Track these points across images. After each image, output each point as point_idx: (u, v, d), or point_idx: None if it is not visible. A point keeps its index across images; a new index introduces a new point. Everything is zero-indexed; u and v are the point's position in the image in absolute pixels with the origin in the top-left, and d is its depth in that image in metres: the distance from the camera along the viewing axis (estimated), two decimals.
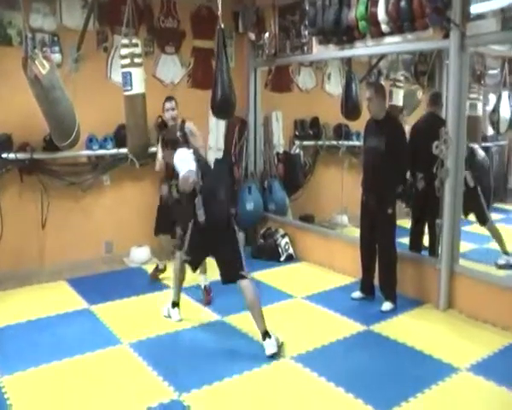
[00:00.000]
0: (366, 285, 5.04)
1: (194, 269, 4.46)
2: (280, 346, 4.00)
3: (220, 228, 4.11)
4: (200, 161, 4.27)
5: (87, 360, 3.93)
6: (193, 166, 4.05)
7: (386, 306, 4.78)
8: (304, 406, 3.33)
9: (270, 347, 3.90)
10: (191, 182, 4.00)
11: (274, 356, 3.88)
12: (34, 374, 3.74)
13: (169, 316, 4.65)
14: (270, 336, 3.94)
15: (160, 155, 5.04)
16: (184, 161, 4.09)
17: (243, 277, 4.03)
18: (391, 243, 4.83)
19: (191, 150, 4.24)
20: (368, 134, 4.98)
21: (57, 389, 3.56)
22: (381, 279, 4.89)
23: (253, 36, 6.74)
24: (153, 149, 6.06)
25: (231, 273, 4.09)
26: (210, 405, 3.36)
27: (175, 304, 4.65)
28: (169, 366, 3.82)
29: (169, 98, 5.35)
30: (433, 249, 5.33)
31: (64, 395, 3.49)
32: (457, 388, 3.54)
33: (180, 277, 4.61)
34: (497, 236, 5.68)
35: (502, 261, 5.43)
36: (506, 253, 5.53)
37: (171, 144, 4.45)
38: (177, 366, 3.83)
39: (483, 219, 5.69)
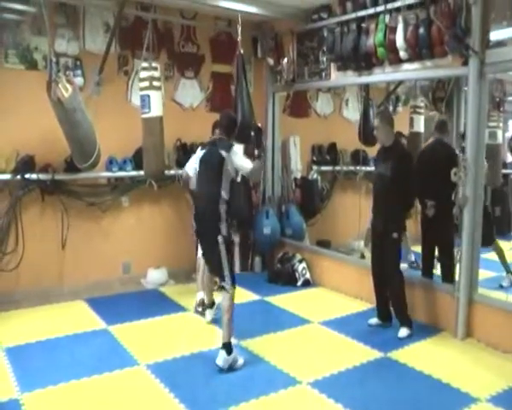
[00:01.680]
0: (381, 311, 5.03)
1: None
2: (233, 366, 4.15)
3: (206, 238, 4.39)
4: None
5: (105, 381, 3.95)
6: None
7: (403, 332, 4.76)
8: None
9: (220, 358, 4.13)
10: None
11: (221, 370, 4.07)
12: (53, 392, 3.77)
13: (202, 313, 5.20)
14: (228, 352, 4.15)
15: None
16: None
17: (223, 287, 4.24)
18: (395, 268, 4.86)
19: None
20: (377, 160, 5.10)
21: (75, 407, 3.58)
22: (392, 305, 4.93)
23: (271, 61, 6.82)
24: (171, 172, 6.17)
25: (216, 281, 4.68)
26: None
27: (207, 305, 5.13)
28: (186, 388, 3.82)
29: None
30: (445, 276, 5.30)
31: None
32: None
33: (206, 280, 5.03)
34: (501, 255, 5.81)
35: (505, 283, 5.55)
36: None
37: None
38: (194, 389, 3.83)
39: (490, 240, 5.69)
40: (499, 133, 6.44)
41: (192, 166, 4.63)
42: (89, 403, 3.64)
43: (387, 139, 4.92)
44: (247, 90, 5.52)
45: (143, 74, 5.33)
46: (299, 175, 7.37)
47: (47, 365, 4.19)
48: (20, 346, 4.55)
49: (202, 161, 4.43)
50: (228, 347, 4.15)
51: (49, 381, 3.89)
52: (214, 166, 4.28)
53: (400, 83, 6.97)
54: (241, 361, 4.21)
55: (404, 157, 4.92)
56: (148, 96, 5.36)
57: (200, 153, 4.51)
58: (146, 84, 5.34)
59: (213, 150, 4.35)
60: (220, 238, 4.17)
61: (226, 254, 4.21)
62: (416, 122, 7.17)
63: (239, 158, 4.34)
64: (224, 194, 4.24)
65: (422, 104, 7.32)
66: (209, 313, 5.12)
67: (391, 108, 7.75)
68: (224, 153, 4.25)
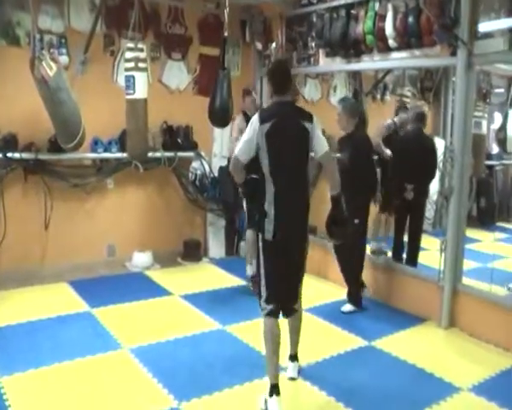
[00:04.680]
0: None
1: None
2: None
3: (295, 244, 3.57)
4: None
5: (87, 364, 3.92)
6: None
7: (347, 307, 5.06)
8: None
9: (293, 370, 3.81)
10: None
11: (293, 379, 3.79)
12: (34, 376, 3.73)
13: None
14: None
15: None
16: None
17: (294, 310, 3.63)
18: (357, 254, 5.05)
19: None
20: (339, 148, 5.14)
21: (56, 391, 3.55)
22: (346, 279, 5.17)
23: (259, 45, 6.78)
24: (157, 155, 6.11)
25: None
26: None
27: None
28: (169, 373, 3.81)
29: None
30: (411, 260, 5.54)
31: (63, 398, 3.48)
32: (459, 408, 3.52)
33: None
34: None
35: None
36: None
37: None
38: (177, 374, 3.81)
39: None
40: (484, 123, 6.50)
41: (248, 149, 3.31)
42: (71, 387, 3.61)
43: (347, 126, 4.98)
44: (228, 74, 5.47)
45: (129, 55, 5.27)
46: None
47: (28, 347, 4.14)
48: (1, 328, 4.49)
49: (277, 135, 3.29)
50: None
51: (30, 364, 3.85)
52: (299, 141, 3.36)
53: (389, 71, 6.97)
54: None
55: (362, 145, 5.03)
56: (133, 77, 5.30)
57: (261, 125, 3.27)
58: (131, 64, 5.28)
59: (292, 120, 3.38)
60: (307, 242, 3.56)
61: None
62: (403, 111, 7.19)
63: (321, 134, 3.46)
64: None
65: (409, 94, 7.35)
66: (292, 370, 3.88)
67: (378, 97, 7.77)
68: (306, 124, 3.35)
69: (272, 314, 3.40)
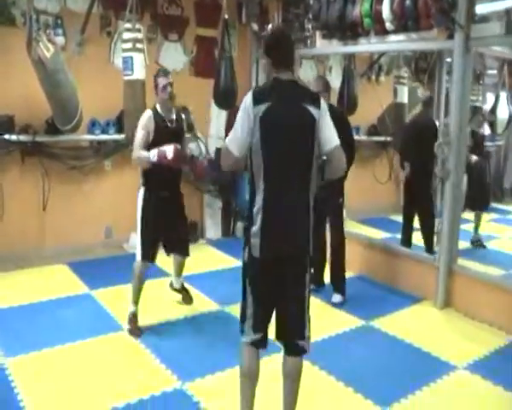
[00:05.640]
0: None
1: None
2: None
3: (292, 260, 2.83)
4: None
5: (89, 345, 3.98)
6: None
7: (337, 298, 4.89)
8: (305, 398, 3.36)
9: None
10: None
11: None
12: (38, 357, 3.79)
13: None
14: None
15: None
16: None
17: (299, 350, 2.86)
18: (341, 231, 4.93)
19: None
20: None
21: (60, 372, 3.61)
22: (333, 269, 4.98)
23: (256, 27, 6.76)
24: None
25: None
26: (213, 394, 3.40)
27: None
28: (171, 353, 3.87)
29: (165, 72, 4.26)
30: (427, 246, 5.47)
31: (67, 379, 3.53)
32: (455, 386, 3.61)
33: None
34: None
35: None
36: None
37: None
38: (179, 355, 3.88)
39: None
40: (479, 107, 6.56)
41: (242, 138, 2.62)
42: (74, 368, 3.66)
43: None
44: (231, 57, 5.50)
45: (127, 36, 5.24)
46: None
47: (31, 329, 4.21)
48: (3, 309, 4.54)
49: (273, 121, 2.61)
50: None
51: (33, 346, 3.90)
52: (301, 131, 2.66)
53: (384, 53, 6.97)
54: None
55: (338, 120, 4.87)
56: (131, 57, 5.27)
57: (254, 107, 2.59)
58: (129, 45, 5.25)
59: (294, 104, 2.67)
60: (307, 262, 2.81)
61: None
62: (400, 93, 7.22)
63: (331, 123, 2.74)
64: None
65: (406, 75, 7.36)
66: None
67: (373, 78, 7.79)
68: (312, 109, 2.65)
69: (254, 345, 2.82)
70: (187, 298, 4.77)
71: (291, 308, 2.81)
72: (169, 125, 4.20)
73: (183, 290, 4.79)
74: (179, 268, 4.67)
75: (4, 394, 3.35)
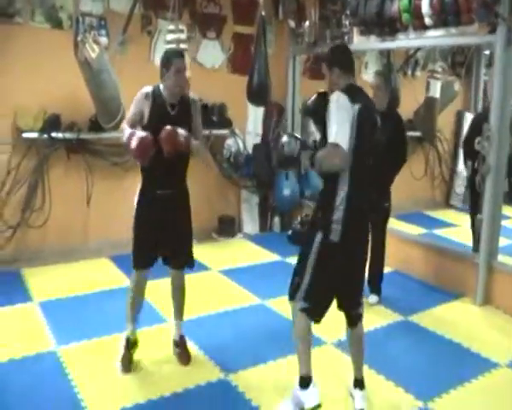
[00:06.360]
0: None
1: None
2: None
3: (362, 244, 3.22)
4: None
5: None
6: None
7: (374, 299, 4.81)
8: (347, 391, 3.44)
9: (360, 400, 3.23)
10: None
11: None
12: (87, 346, 3.96)
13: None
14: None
15: None
16: None
17: (359, 315, 3.29)
18: (383, 233, 4.79)
19: None
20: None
21: (109, 361, 3.73)
22: (373, 271, 4.76)
23: (292, 23, 6.80)
24: None
25: None
26: (257, 386, 3.49)
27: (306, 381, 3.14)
28: (214, 346, 3.97)
29: (180, 54, 3.60)
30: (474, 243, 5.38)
31: (115, 368, 3.66)
32: (498, 383, 3.62)
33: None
34: None
35: None
36: None
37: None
38: (221, 347, 3.98)
39: None
40: None
41: (348, 133, 2.78)
42: None
43: (384, 102, 4.52)
44: (265, 53, 5.55)
45: (170, 37, 5.34)
46: (318, 137, 7.39)
47: (79, 320, 4.37)
48: (52, 301, 4.72)
49: (367, 120, 2.90)
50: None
51: (82, 335, 4.07)
52: (376, 133, 3.02)
53: (420, 47, 6.94)
54: None
55: (401, 124, 4.74)
56: None
57: (353, 105, 2.82)
58: (173, 46, 5.35)
59: (374, 107, 3.11)
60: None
61: None
62: (433, 87, 7.18)
63: None
64: None
65: (440, 69, 7.31)
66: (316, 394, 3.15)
67: (409, 72, 7.76)
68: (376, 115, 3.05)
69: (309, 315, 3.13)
70: (182, 356, 3.77)
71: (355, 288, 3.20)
72: (169, 110, 3.46)
73: (179, 345, 3.82)
74: (177, 296, 3.89)
75: (60, 380, 3.51)
